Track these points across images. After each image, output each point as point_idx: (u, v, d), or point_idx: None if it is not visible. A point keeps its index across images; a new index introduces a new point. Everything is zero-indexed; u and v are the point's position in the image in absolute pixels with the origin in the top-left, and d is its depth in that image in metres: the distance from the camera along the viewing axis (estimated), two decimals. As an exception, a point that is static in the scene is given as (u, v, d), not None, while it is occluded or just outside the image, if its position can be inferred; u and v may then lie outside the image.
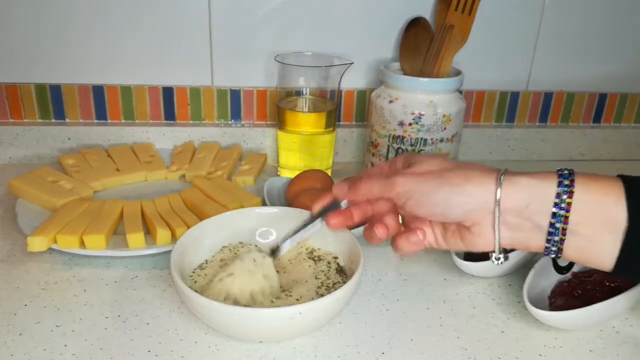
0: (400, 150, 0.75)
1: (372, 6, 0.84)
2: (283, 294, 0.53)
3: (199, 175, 0.78)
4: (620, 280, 0.54)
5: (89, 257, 0.61)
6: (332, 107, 0.80)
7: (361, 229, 0.64)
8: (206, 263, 0.57)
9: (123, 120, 0.88)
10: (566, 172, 0.41)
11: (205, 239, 0.57)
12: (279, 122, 0.80)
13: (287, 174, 0.80)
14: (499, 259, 0.44)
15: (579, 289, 0.55)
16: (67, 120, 0.87)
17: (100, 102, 0.86)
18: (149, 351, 0.48)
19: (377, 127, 0.77)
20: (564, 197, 0.40)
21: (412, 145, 0.74)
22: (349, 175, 0.53)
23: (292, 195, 0.69)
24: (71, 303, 0.54)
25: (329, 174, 0.78)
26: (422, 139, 0.73)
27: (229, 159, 0.83)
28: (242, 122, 0.90)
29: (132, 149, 0.84)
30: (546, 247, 0.42)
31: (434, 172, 0.43)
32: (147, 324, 0.52)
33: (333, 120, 0.81)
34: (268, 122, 0.91)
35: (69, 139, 0.86)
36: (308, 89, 0.80)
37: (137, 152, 0.83)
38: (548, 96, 0.94)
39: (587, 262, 0.41)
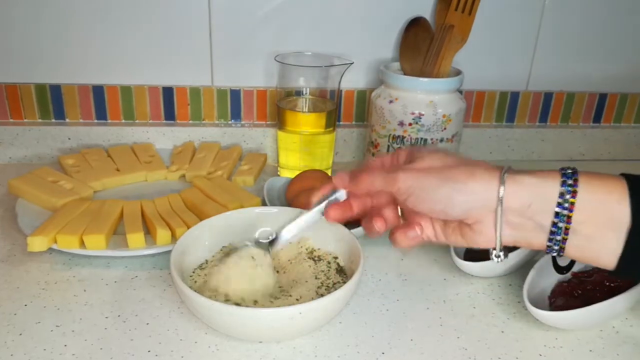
0: (400, 150, 0.75)
1: (372, 6, 0.84)
2: (282, 294, 0.53)
3: (199, 175, 0.78)
4: (620, 280, 0.54)
5: (89, 257, 0.61)
6: (332, 107, 0.80)
7: (361, 228, 0.64)
8: (206, 263, 0.57)
9: (123, 120, 0.88)
10: (569, 171, 0.40)
11: (205, 239, 0.57)
12: (279, 122, 0.80)
13: (287, 174, 0.80)
14: (499, 256, 0.44)
15: (579, 289, 0.55)
16: (67, 120, 0.87)
17: (100, 102, 0.86)
18: (149, 351, 0.48)
19: (377, 127, 0.77)
20: (567, 197, 0.39)
21: (412, 145, 0.74)
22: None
23: (292, 195, 0.69)
24: (71, 303, 0.54)
25: (329, 174, 0.78)
26: (422, 139, 0.73)
27: (229, 159, 0.83)
28: (242, 122, 0.90)
29: (132, 149, 0.84)
30: (548, 246, 0.41)
31: (436, 168, 0.43)
32: (147, 324, 0.52)
33: (333, 120, 0.81)
34: (268, 122, 0.91)
35: (69, 139, 0.86)
36: (308, 89, 0.80)
37: (137, 152, 0.83)
38: (548, 96, 0.94)
39: (589, 260, 0.41)
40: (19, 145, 0.85)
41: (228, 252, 0.53)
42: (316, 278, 0.55)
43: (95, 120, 0.87)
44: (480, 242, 0.44)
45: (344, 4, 0.84)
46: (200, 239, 0.57)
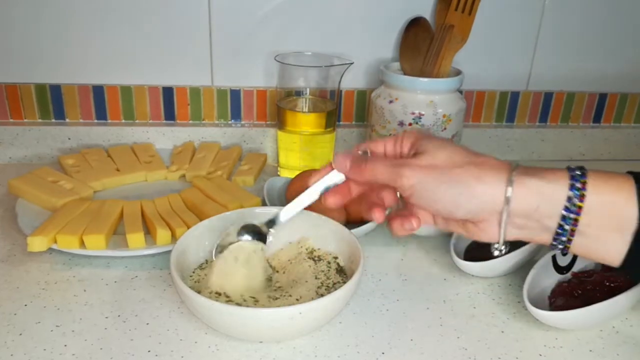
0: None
1: (372, 6, 0.84)
2: (282, 294, 0.53)
3: (199, 175, 0.78)
4: (620, 280, 0.54)
5: (89, 257, 0.61)
6: (332, 107, 0.80)
7: (361, 228, 0.64)
8: (206, 263, 0.57)
9: (123, 120, 0.88)
10: (578, 172, 0.40)
11: (205, 239, 0.57)
12: (279, 122, 0.80)
13: (287, 174, 0.80)
14: (500, 250, 0.43)
15: (579, 289, 0.55)
16: (67, 120, 0.87)
17: (100, 102, 0.86)
18: (149, 351, 0.48)
19: (377, 127, 0.77)
20: (575, 200, 0.39)
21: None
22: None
23: (292, 195, 0.69)
24: (71, 303, 0.54)
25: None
26: (422, 139, 0.73)
27: (229, 159, 0.83)
28: (242, 122, 0.90)
29: (132, 149, 0.84)
30: (552, 245, 0.41)
31: (442, 167, 0.42)
32: (147, 324, 0.52)
33: (333, 120, 0.81)
34: (268, 122, 0.91)
35: (69, 139, 0.86)
36: (308, 89, 0.80)
37: (137, 152, 0.83)
38: (548, 96, 0.94)
39: (594, 258, 0.41)
40: (19, 145, 0.85)
41: (221, 249, 0.52)
42: (316, 278, 0.55)
43: (95, 120, 0.87)
44: (483, 238, 0.43)
45: (344, 4, 0.84)
46: (200, 239, 0.57)
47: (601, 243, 0.40)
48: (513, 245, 0.45)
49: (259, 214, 0.61)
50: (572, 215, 0.39)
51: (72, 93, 0.85)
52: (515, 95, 0.93)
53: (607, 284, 0.54)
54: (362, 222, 0.65)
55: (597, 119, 0.98)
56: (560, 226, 0.40)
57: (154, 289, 0.57)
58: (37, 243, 0.59)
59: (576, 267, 0.59)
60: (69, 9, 0.79)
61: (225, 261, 0.52)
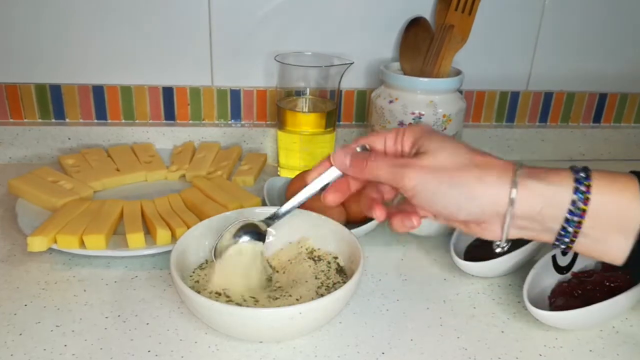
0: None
1: (372, 6, 0.84)
2: (282, 294, 0.53)
3: (199, 175, 0.78)
4: (620, 280, 0.54)
5: (89, 257, 0.61)
6: (332, 107, 0.80)
7: (361, 228, 0.64)
8: (206, 263, 0.57)
9: (123, 120, 0.88)
10: (582, 175, 0.39)
11: (205, 239, 0.57)
12: (279, 122, 0.80)
13: (287, 174, 0.80)
14: (503, 247, 0.43)
15: (579, 289, 0.55)
16: (67, 120, 0.87)
17: (100, 102, 0.86)
18: (149, 351, 0.48)
19: (377, 127, 0.77)
20: (580, 204, 0.38)
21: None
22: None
23: (292, 195, 0.69)
24: (71, 303, 0.54)
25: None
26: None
27: (229, 159, 0.83)
28: (242, 122, 0.90)
29: (132, 149, 0.84)
30: (554, 244, 0.41)
31: (446, 169, 0.41)
32: (147, 324, 0.52)
33: (333, 120, 0.81)
34: (268, 122, 0.91)
35: (69, 139, 0.86)
36: (308, 89, 0.80)
37: (137, 152, 0.83)
38: (548, 96, 0.94)
39: (596, 258, 0.41)
40: (19, 145, 0.85)
41: (220, 251, 0.52)
42: (316, 278, 0.55)
43: (95, 120, 0.87)
44: (485, 236, 0.43)
45: (344, 4, 0.84)
46: (200, 239, 0.57)
47: (604, 243, 0.39)
48: (514, 244, 0.44)
49: (259, 214, 0.61)
50: (575, 219, 0.39)
51: (72, 93, 0.85)
52: (515, 95, 0.93)
53: (607, 284, 0.54)
54: (362, 222, 0.65)
55: (597, 119, 0.98)
56: (564, 228, 0.39)
57: (154, 289, 0.57)
58: (37, 243, 0.59)
59: (576, 267, 0.59)
60: (69, 9, 0.79)
61: (226, 264, 0.52)
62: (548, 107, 0.95)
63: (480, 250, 0.62)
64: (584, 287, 0.55)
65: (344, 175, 0.47)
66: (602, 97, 0.96)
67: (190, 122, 0.89)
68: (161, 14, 0.81)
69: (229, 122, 0.90)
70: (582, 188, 0.38)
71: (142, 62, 0.84)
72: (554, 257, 0.58)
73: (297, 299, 0.51)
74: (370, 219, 0.65)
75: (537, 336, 0.52)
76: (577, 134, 0.96)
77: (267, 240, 0.54)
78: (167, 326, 0.51)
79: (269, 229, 0.54)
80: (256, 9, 0.83)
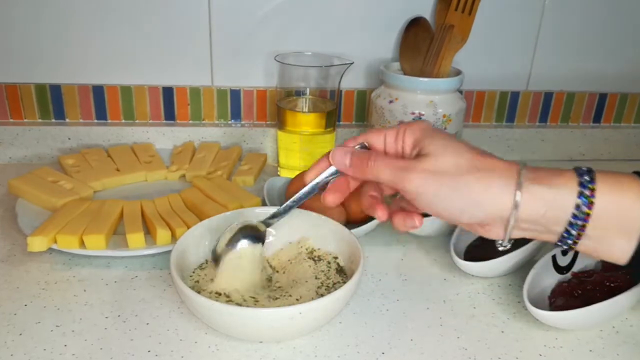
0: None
1: (372, 6, 0.84)
2: (282, 294, 0.53)
3: (199, 175, 0.78)
4: (620, 280, 0.54)
5: (89, 257, 0.61)
6: (332, 107, 0.80)
7: (361, 228, 0.64)
8: (206, 263, 0.57)
9: (123, 120, 0.88)
10: (587, 178, 0.39)
11: (205, 239, 0.57)
12: (279, 122, 0.80)
13: (287, 174, 0.80)
14: (506, 246, 0.43)
15: (579, 289, 0.55)
16: (67, 120, 0.87)
17: (100, 102, 0.86)
18: (149, 351, 0.48)
19: (377, 127, 0.77)
20: (584, 208, 0.38)
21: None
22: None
23: (292, 195, 0.69)
24: (71, 303, 0.54)
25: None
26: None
27: (229, 159, 0.83)
28: (242, 122, 0.90)
29: (132, 149, 0.84)
30: (557, 245, 0.41)
31: (449, 173, 0.40)
32: (147, 324, 0.52)
33: (333, 120, 0.81)
34: (268, 122, 0.91)
35: (69, 139, 0.86)
36: (308, 89, 0.80)
37: (137, 152, 0.83)
38: (548, 96, 0.94)
39: (599, 257, 0.41)
40: (19, 145, 0.85)
41: (218, 255, 0.52)
42: (316, 278, 0.55)
43: (95, 120, 0.87)
44: (487, 236, 0.43)
45: (344, 4, 0.84)
46: (200, 239, 0.57)
47: (607, 244, 0.39)
48: (514, 244, 0.44)
49: (259, 214, 0.61)
50: (579, 222, 0.38)
51: (72, 93, 0.85)
52: (515, 95, 0.93)
53: (607, 284, 0.54)
54: (362, 222, 0.65)
55: (597, 119, 0.98)
56: (567, 231, 0.39)
57: (154, 289, 0.57)
58: (37, 243, 0.59)
59: (576, 267, 0.59)
60: (69, 9, 0.79)
61: (226, 267, 0.51)
62: (548, 107, 0.95)
63: (480, 250, 0.62)
64: (584, 287, 0.55)
65: (342, 174, 0.47)
66: (602, 97, 0.96)
67: (190, 122, 0.89)
68: (161, 14, 0.81)
69: (229, 122, 0.90)
70: (587, 192, 0.38)
71: (142, 62, 0.84)
72: (554, 257, 0.58)
73: (297, 299, 0.51)
74: (370, 219, 0.65)
75: (537, 336, 0.52)
76: (577, 134, 0.96)
77: (267, 240, 0.54)
78: (167, 326, 0.51)
79: (269, 229, 0.54)
80: (256, 9, 0.83)
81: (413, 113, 0.73)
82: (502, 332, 0.53)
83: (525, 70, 0.91)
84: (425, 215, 0.46)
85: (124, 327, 0.51)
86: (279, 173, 0.84)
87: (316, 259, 0.58)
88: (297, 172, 0.74)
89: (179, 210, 0.67)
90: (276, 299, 0.51)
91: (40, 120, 0.86)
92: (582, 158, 0.97)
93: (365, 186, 0.48)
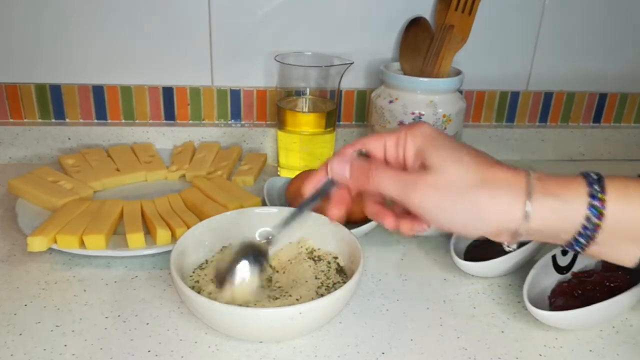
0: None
1: (372, 6, 0.84)
2: (282, 294, 0.53)
3: (199, 175, 0.78)
4: (620, 280, 0.54)
5: (89, 257, 0.61)
6: (332, 107, 0.80)
7: (361, 228, 0.64)
8: (206, 263, 0.57)
9: (123, 120, 0.88)
10: (597, 188, 0.38)
11: (205, 239, 0.57)
12: (279, 122, 0.80)
13: (287, 174, 0.80)
14: (513, 249, 0.42)
15: (579, 289, 0.55)
16: (67, 120, 0.87)
17: (100, 102, 0.86)
18: (149, 351, 0.48)
19: (377, 127, 0.77)
20: (594, 219, 0.37)
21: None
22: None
23: (292, 195, 0.69)
24: (71, 303, 0.54)
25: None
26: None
27: (229, 159, 0.83)
28: (242, 122, 0.90)
29: (132, 149, 0.84)
30: (564, 248, 0.40)
31: (456, 187, 0.39)
32: (147, 324, 0.52)
33: (333, 120, 0.81)
34: (268, 122, 0.91)
35: (69, 139, 0.86)
36: (308, 89, 0.80)
37: (137, 152, 0.83)
38: (548, 96, 0.94)
39: (608, 260, 0.40)
40: (19, 145, 0.85)
41: (221, 280, 0.50)
42: (316, 278, 0.55)
43: (95, 120, 0.87)
44: (494, 240, 0.43)
45: (344, 4, 0.84)
46: (200, 239, 0.57)
47: (616, 250, 0.39)
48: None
49: (259, 214, 0.61)
50: (589, 232, 0.38)
51: (72, 93, 0.85)
52: (515, 95, 0.93)
53: (607, 284, 0.54)
54: (362, 222, 0.65)
55: (597, 119, 0.98)
56: (576, 240, 0.39)
57: (154, 289, 0.57)
58: (37, 243, 0.59)
59: (576, 267, 0.59)
60: (69, 9, 0.79)
61: (230, 291, 0.50)
62: (548, 107, 0.95)
63: (480, 250, 0.62)
64: (584, 287, 0.55)
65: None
66: (602, 97, 0.96)
67: (190, 122, 0.89)
68: (161, 14, 0.81)
69: (229, 122, 0.90)
70: (597, 203, 0.37)
71: (142, 62, 0.84)
72: (554, 257, 0.58)
73: (297, 299, 0.51)
74: (371, 219, 0.65)
75: (537, 336, 0.52)
76: (577, 134, 0.96)
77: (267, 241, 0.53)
78: (167, 326, 0.51)
79: (271, 230, 0.53)
80: (256, 9, 0.83)
81: (413, 113, 0.73)
82: (502, 332, 0.53)
83: (525, 70, 0.91)
84: None
85: (124, 327, 0.51)
86: (279, 173, 0.84)
87: (316, 259, 0.58)
88: (297, 172, 0.74)
89: (179, 210, 0.67)
90: (276, 299, 0.51)
91: (40, 120, 0.86)
92: (582, 158, 0.97)
93: (367, 191, 0.47)
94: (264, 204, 0.70)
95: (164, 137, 0.88)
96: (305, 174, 0.72)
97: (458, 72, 0.76)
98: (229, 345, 0.49)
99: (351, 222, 0.66)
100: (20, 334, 0.49)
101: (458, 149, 0.41)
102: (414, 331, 0.52)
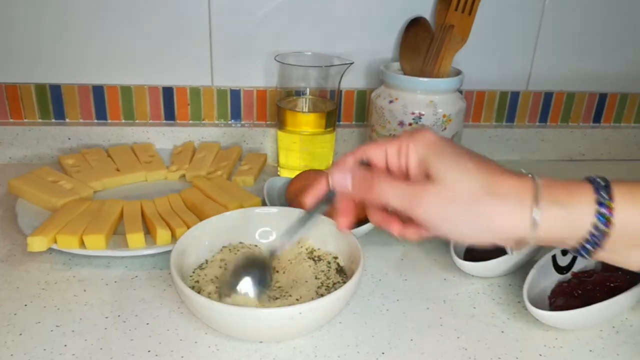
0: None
1: (372, 6, 0.84)
2: (282, 294, 0.53)
3: (199, 175, 0.78)
4: (620, 280, 0.54)
5: (89, 257, 0.61)
6: (332, 107, 0.80)
7: (361, 228, 0.64)
8: (206, 263, 0.57)
9: (123, 120, 0.88)
10: (604, 195, 0.37)
11: (205, 239, 0.57)
12: (279, 122, 0.80)
13: (287, 174, 0.80)
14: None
15: (579, 289, 0.55)
16: (67, 120, 0.87)
17: (100, 102, 0.86)
18: (149, 351, 0.48)
19: (377, 127, 0.77)
20: (602, 227, 0.37)
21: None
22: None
23: (292, 195, 0.69)
24: (71, 303, 0.54)
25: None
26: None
27: (229, 159, 0.83)
28: (242, 122, 0.90)
29: (132, 149, 0.84)
30: (570, 252, 0.40)
31: (462, 199, 0.38)
32: (147, 324, 0.52)
33: (333, 120, 0.81)
34: (268, 122, 0.91)
35: (69, 139, 0.86)
36: (308, 89, 0.80)
37: (137, 152, 0.83)
38: (548, 96, 0.94)
39: (613, 264, 0.40)
40: (19, 145, 0.85)
41: (231, 257, 0.50)
42: (316, 278, 0.55)
43: (95, 120, 0.88)
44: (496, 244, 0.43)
45: (344, 4, 0.84)
46: (200, 239, 0.57)
47: (623, 255, 0.38)
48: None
49: (259, 214, 0.61)
50: (597, 240, 0.37)
51: (72, 93, 0.85)
52: (515, 95, 0.93)
53: (607, 284, 0.54)
54: (362, 222, 0.65)
55: (597, 119, 0.98)
56: (583, 246, 0.38)
57: (154, 289, 0.57)
58: (37, 243, 0.59)
59: (576, 267, 0.59)
60: (69, 9, 0.79)
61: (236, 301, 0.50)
62: (548, 107, 0.95)
63: (480, 250, 0.62)
64: (584, 287, 0.55)
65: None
66: (602, 97, 0.96)
67: (190, 122, 0.89)
68: (161, 14, 0.81)
69: (229, 122, 0.90)
70: (604, 211, 0.37)
71: (142, 62, 0.84)
72: (554, 257, 0.58)
73: (297, 299, 0.51)
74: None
75: (537, 336, 0.52)
76: (577, 134, 0.96)
77: (266, 241, 0.54)
78: (167, 326, 0.51)
79: (271, 230, 0.54)
80: (256, 9, 0.83)
81: (413, 113, 0.73)
82: (502, 332, 0.53)
83: (525, 70, 0.91)
84: None
85: (124, 327, 0.51)
86: (279, 173, 0.84)
87: (316, 259, 0.58)
88: (297, 172, 0.74)
89: (179, 210, 0.67)
90: (276, 299, 0.51)
91: (40, 120, 0.86)
92: (582, 158, 0.97)
93: (370, 201, 0.46)
94: (264, 204, 0.70)
95: (164, 137, 0.88)
96: (305, 174, 0.72)
97: (458, 72, 0.76)
98: (229, 345, 0.49)
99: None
100: (20, 334, 0.49)
101: (461, 157, 0.40)
102: (414, 331, 0.52)
